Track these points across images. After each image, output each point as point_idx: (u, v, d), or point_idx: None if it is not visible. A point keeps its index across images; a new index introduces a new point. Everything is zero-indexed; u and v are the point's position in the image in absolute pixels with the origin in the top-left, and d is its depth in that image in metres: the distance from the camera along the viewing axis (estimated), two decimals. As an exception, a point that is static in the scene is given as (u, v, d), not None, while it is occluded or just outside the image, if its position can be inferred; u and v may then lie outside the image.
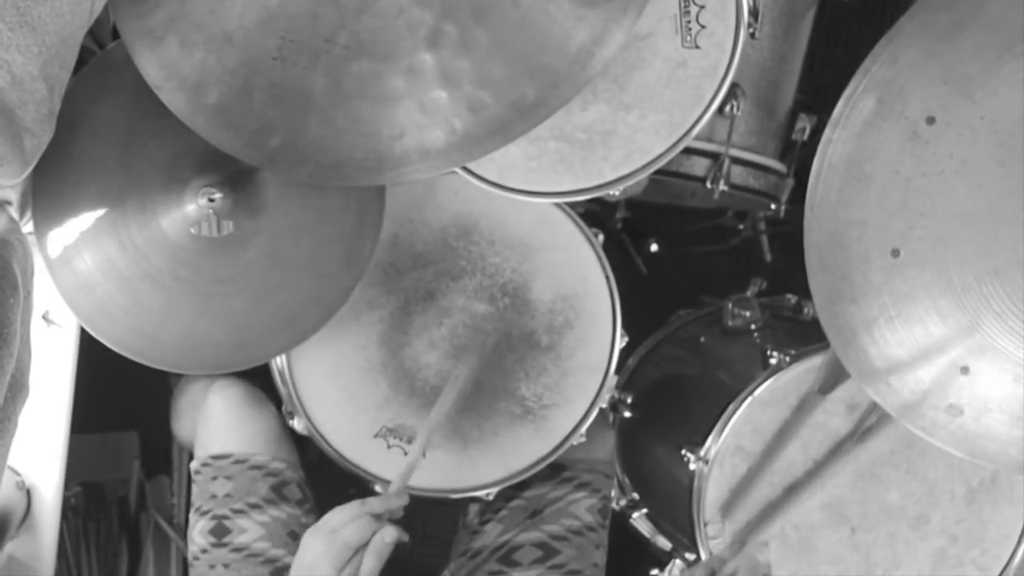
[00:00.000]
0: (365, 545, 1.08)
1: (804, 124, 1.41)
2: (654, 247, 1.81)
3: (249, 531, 1.26)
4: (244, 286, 1.14)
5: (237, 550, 1.26)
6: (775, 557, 1.28)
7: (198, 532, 1.28)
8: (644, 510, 1.51)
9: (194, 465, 1.32)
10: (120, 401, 1.52)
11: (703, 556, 1.30)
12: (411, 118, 1.04)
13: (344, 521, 1.09)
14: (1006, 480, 1.31)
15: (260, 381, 1.34)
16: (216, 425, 1.32)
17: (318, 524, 1.11)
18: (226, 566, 1.26)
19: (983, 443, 1.15)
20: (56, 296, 1.14)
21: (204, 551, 1.27)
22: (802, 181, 1.17)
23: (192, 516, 1.30)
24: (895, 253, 1.12)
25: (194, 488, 1.31)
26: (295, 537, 1.26)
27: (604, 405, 1.30)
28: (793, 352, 1.26)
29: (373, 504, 1.10)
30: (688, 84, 1.16)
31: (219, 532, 1.27)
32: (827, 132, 1.13)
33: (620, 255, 1.77)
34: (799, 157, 1.44)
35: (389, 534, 1.08)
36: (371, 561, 1.07)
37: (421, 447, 1.17)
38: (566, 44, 1.01)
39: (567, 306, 1.28)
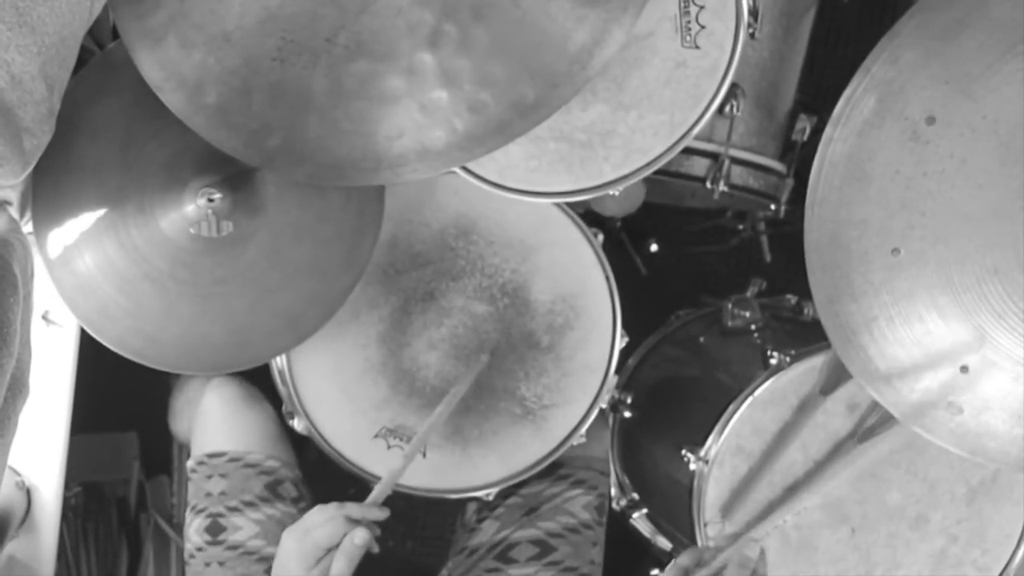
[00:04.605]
0: (338, 546, 1.08)
1: (804, 124, 1.41)
2: (654, 247, 1.81)
3: (244, 529, 1.26)
4: (244, 286, 1.14)
5: (232, 548, 1.26)
6: (773, 557, 1.28)
7: (194, 530, 1.29)
8: (644, 510, 1.51)
9: (190, 464, 1.33)
10: (120, 401, 1.52)
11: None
12: (411, 118, 1.04)
13: (319, 521, 1.09)
14: (1007, 480, 1.30)
15: (260, 381, 1.35)
16: (211, 424, 1.32)
17: (295, 523, 1.11)
18: (221, 564, 1.26)
19: (982, 441, 1.15)
20: (56, 296, 1.14)
21: (200, 549, 1.28)
22: (802, 181, 1.17)
23: (188, 515, 1.31)
24: (895, 252, 1.12)
25: (190, 487, 1.32)
26: (291, 536, 1.26)
27: (604, 405, 1.30)
28: (793, 352, 1.26)
29: (351, 508, 1.09)
30: (688, 84, 1.16)
31: (214, 530, 1.27)
32: (827, 131, 1.13)
33: (620, 255, 1.77)
34: (799, 157, 1.44)
35: (359, 536, 1.06)
36: (340, 562, 1.06)
37: (407, 459, 1.17)
38: (566, 44, 1.01)
39: (567, 306, 1.28)
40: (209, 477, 1.29)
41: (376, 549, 1.09)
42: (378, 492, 1.14)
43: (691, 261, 1.86)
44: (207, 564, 1.27)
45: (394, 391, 1.27)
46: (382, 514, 1.11)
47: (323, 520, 1.08)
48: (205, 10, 1.01)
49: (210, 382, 1.34)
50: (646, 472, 1.52)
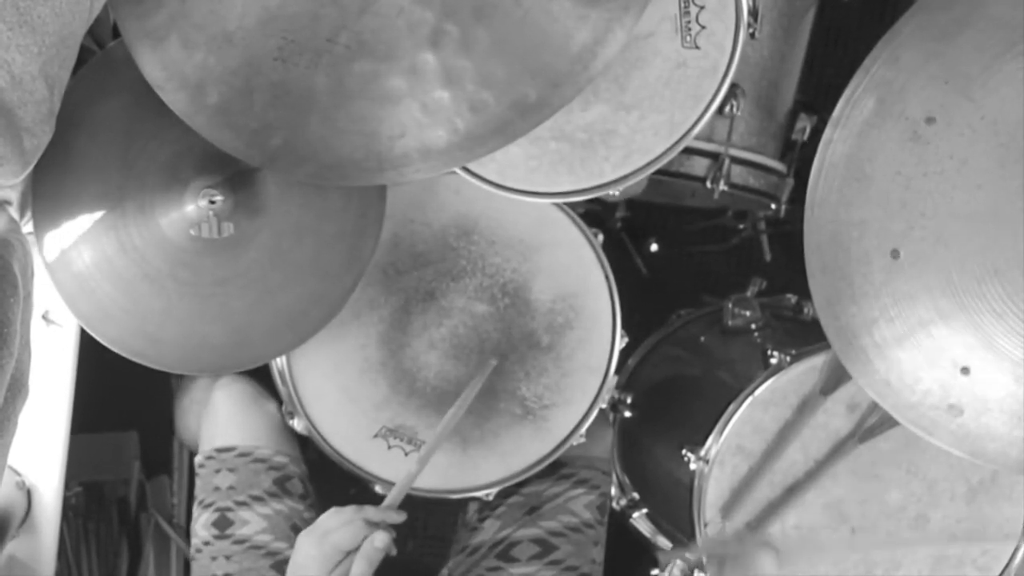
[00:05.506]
0: (357, 549, 1.08)
1: (804, 124, 1.41)
2: (654, 247, 1.81)
3: (251, 523, 1.26)
4: (244, 287, 1.14)
5: (239, 542, 1.26)
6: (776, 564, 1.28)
7: (201, 525, 1.29)
8: (644, 510, 1.51)
9: (198, 459, 1.33)
10: (120, 401, 1.52)
11: (703, 556, 1.30)
12: (412, 118, 1.04)
13: (337, 524, 1.09)
14: (1006, 479, 1.30)
15: (260, 381, 1.35)
16: (221, 419, 1.32)
17: (312, 526, 1.11)
18: (228, 558, 1.26)
19: (983, 443, 1.15)
20: (56, 296, 1.13)
21: (207, 543, 1.28)
22: (802, 181, 1.18)
23: (195, 510, 1.31)
24: (895, 254, 1.12)
25: (198, 482, 1.32)
26: (297, 531, 1.26)
27: (604, 405, 1.30)
28: (794, 352, 1.26)
29: (369, 512, 1.10)
30: (688, 84, 1.16)
31: (222, 524, 1.27)
32: (827, 132, 1.13)
33: (620, 255, 1.77)
34: (799, 157, 1.44)
35: (380, 539, 1.07)
36: (360, 565, 1.07)
37: (422, 463, 1.17)
38: (568, 44, 1.01)
39: (567, 306, 1.28)
40: (217, 471, 1.29)
41: (395, 552, 1.09)
42: (394, 495, 1.14)
43: (691, 261, 1.86)
44: (214, 558, 1.27)
45: (394, 391, 1.27)
46: (399, 517, 1.11)
47: (341, 523, 1.09)
48: (206, 10, 1.01)
49: (219, 380, 1.35)
50: (646, 472, 1.52)
